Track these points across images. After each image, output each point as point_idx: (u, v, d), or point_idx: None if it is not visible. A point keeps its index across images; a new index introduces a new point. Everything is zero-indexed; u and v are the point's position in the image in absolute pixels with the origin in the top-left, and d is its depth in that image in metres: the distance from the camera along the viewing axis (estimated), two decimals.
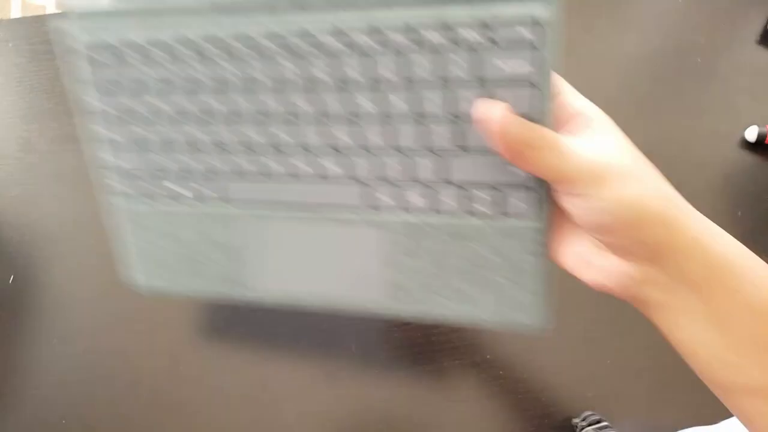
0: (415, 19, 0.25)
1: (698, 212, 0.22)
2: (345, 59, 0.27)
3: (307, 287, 0.32)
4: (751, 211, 0.47)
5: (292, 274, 0.32)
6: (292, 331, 0.45)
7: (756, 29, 0.49)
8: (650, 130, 0.48)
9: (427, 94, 0.26)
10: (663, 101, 0.49)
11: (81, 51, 0.32)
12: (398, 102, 0.27)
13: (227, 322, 0.45)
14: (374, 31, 0.26)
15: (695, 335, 0.22)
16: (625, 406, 0.43)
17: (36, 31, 0.45)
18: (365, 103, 0.27)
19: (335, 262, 0.31)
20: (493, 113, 0.23)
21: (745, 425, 0.22)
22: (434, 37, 0.25)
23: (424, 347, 0.44)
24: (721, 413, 0.30)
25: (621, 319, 0.44)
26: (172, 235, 0.34)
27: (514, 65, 0.24)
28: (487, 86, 0.25)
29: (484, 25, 0.24)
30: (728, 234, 0.22)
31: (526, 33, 0.24)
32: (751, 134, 0.47)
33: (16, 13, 1.31)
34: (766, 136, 0.47)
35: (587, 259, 0.24)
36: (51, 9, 1.32)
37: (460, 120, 0.26)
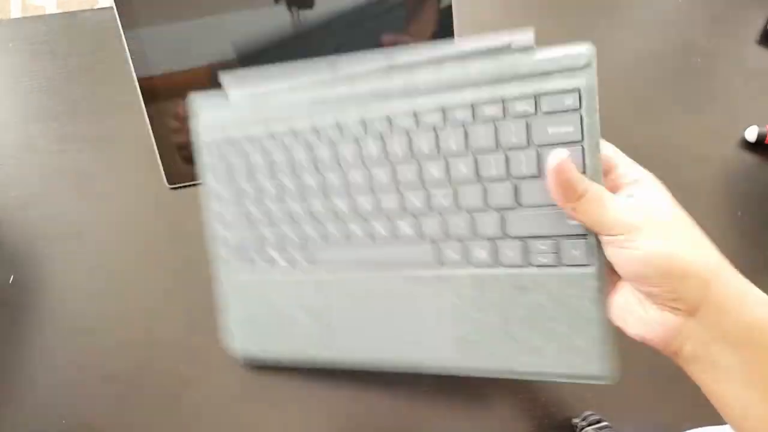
0: (477, 98, 0.29)
1: (740, 274, 0.23)
2: (419, 135, 0.31)
3: (383, 347, 0.35)
4: (751, 211, 0.47)
5: (371, 333, 0.35)
6: None
7: (756, 29, 0.49)
8: (650, 130, 0.48)
9: (486, 158, 0.30)
10: (663, 101, 0.49)
11: (202, 142, 0.37)
12: (462, 167, 0.30)
13: None
14: (443, 111, 0.30)
15: (732, 391, 0.22)
16: (625, 406, 0.43)
17: (36, 31, 0.45)
18: (433, 170, 0.31)
19: (409, 319, 0.34)
20: (556, 154, 0.26)
21: None
22: (492, 111, 0.29)
23: None
24: (720, 414, 0.30)
25: None
26: (267, 302, 0.38)
27: (560, 128, 0.27)
28: (537, 148, 0.28)
29: (534, 98, 0.28)
30: None
31: (568, 101, 0.27)
32: (751, 134, 0.47)
33: (16, 13, 1.31)
34: (766, 136, 0.47)
35: (630, 310, 0.26)
36: (51, 9, 1.32)
37: (516, 179, 0.29)
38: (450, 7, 0.42)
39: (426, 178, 0.31)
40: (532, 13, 0.49)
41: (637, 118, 0.48)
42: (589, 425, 0.40)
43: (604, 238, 0.26)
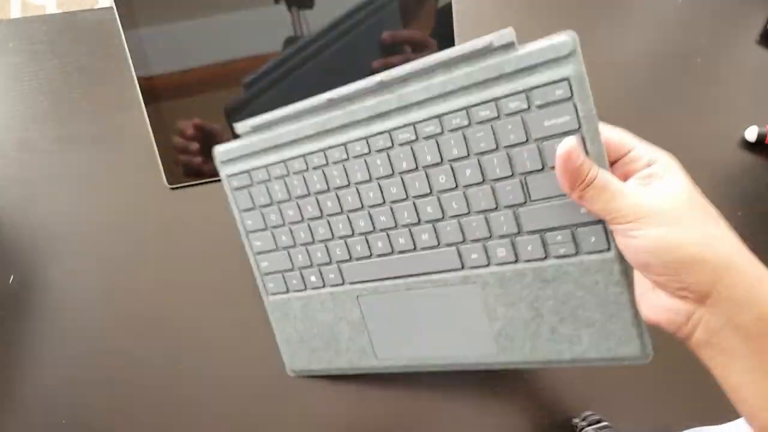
0: (469, 102, 0.30)
1: (758, 262, 0.23)
2: (421, 147, 0.32)
3: (423, 350, 0.36)
4: (751, 211, 0.47)
5: (410, 339, 0.36)
6: None
7: (756, 29, 0.49)
8: (650, 131, 0.48)
9: (489, 159, 0.30)
10: (663, 101, 0.49)
11: (227, 182, 0.40)
12: (467, 171, 0.31)
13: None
14: (439, 119, 0.31)
15: (744, 380, 0.22)
16: (625, 406, 0.43)
17: (36, 31, 0.45)
18: (441, 177, 0.32)
19: (443, 322, 0.35)
20: (565, 142, 0.26)
21: None
22: (486, 112, 0.29)
23: None
24: (720, 414, 0.30)
25: None
26: (307, 318, 0.39)
27: (555, 119, 0.28)
28: (537, 142, 0.29)
29: (525, 94, 0.28)
30: None
31: (559, 91, 0.27)
32: (751, 134, 0.47)
33: (16, 13, 1.31)
34: (766, 136, 0.47)
35: (642, 295, 0.26)
36: (51, 9, 1.32)
37: (522, 175, 0.30)
38: (449, 5, 0.42)
39: (435, 186, 0.32)
40: (532, 13, 0.49)
41: (637, 118, 0.48)
42: (589, 425, 0.40)
43: (612, 227, 0.26)
